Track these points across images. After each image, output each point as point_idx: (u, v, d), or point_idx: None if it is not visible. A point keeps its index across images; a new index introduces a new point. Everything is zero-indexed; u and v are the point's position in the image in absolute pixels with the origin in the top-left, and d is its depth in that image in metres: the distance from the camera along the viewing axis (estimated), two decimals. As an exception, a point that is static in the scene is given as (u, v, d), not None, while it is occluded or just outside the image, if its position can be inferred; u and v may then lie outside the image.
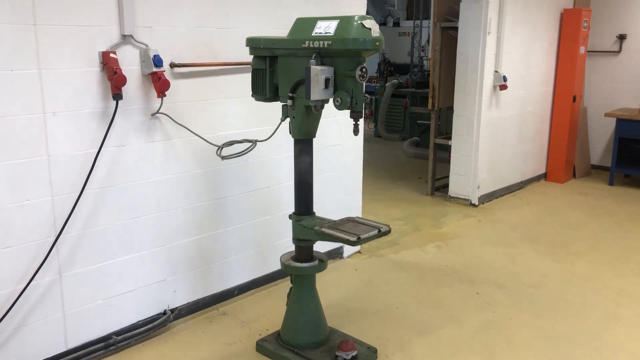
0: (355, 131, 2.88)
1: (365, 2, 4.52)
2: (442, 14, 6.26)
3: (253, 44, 3.12)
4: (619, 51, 7.60)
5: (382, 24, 12.86)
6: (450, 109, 6.46)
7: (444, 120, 7.36)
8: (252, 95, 3.21)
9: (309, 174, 3.15)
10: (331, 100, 2.86)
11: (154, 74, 3.16)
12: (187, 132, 3.43)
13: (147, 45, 3.18)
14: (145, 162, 3.31)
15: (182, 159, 3.48)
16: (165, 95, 3.22)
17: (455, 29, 6.10)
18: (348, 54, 2.76)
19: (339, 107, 2.82)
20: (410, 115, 9.48)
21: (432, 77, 6.37)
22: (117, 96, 3.04)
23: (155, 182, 3.37)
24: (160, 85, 3.16)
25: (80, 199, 3.00)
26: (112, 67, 3.01)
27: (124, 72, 3.03)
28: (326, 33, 2.79)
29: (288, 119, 3.09)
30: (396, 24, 12.79)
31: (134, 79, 3.17)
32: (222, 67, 3.57)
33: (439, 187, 6.76)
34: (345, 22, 2.75)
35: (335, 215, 3.35)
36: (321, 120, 3.12)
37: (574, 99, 7.14)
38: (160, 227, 3.44)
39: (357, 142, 4.68)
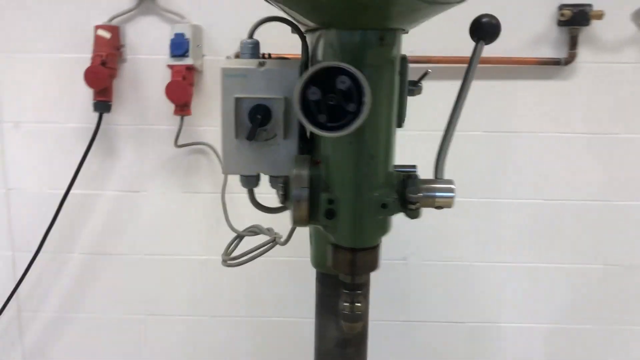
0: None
1: None
2: None
3: None
4: None
5: None
6: None
7: None
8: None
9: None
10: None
11: (173, 69, 1.67)
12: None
13: (182, 17, 1.71)
14: (176, 226, 1.86)
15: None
16: (187, 112, 1.68)
17: None
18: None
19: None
20: None
21: None
22: (99, 105, 1.71)
23: (194, 262, 1.89)
24: (169, 89, 1.64)
25: (34, 264, 1.83)
26: (99, 54, 1.68)
27: (118, 63, 1.68)
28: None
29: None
30: None
31: (159, 76, 1.76)
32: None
33: None
34: None
35: None
36: None
37: None
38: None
39: None
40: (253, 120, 0.76)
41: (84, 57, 1.68)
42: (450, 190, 0.74)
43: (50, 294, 1.90)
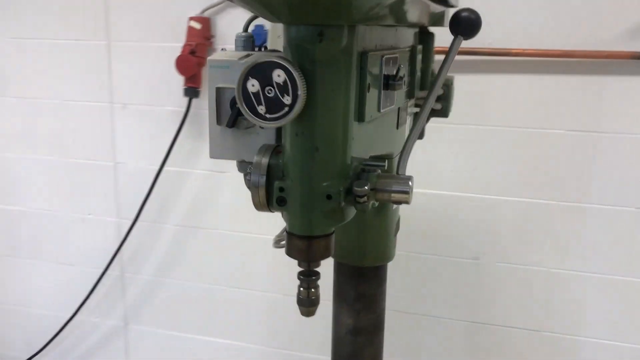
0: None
1: None
2: None
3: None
4: None
5: None
6: None
7: None
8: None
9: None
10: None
11: (251, 59, 1.77)
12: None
13: (265, 9, 1.80)
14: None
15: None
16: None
17: None
18: None
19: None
20: None
21: None
22: (189, 91, 1.87)
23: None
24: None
25: (134, 231, 2.05)
26: (189, 43, 1.84)
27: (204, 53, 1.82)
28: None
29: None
30: None
31: (242, 66, 1.87)
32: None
33: None
34: None
35: None
36: None
37: None
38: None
39: None
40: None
41: (180, 47, 1.84)
42: (406, 185, 0.73)
43: (147, 259, 2.11)
